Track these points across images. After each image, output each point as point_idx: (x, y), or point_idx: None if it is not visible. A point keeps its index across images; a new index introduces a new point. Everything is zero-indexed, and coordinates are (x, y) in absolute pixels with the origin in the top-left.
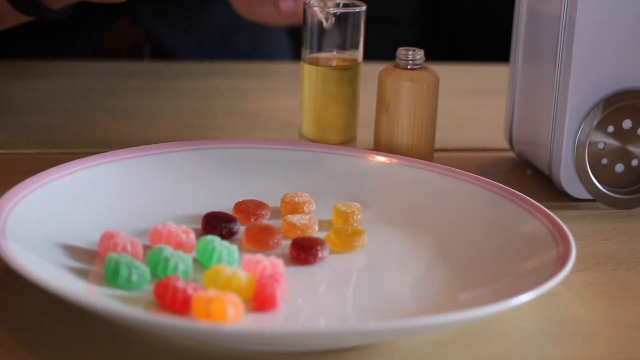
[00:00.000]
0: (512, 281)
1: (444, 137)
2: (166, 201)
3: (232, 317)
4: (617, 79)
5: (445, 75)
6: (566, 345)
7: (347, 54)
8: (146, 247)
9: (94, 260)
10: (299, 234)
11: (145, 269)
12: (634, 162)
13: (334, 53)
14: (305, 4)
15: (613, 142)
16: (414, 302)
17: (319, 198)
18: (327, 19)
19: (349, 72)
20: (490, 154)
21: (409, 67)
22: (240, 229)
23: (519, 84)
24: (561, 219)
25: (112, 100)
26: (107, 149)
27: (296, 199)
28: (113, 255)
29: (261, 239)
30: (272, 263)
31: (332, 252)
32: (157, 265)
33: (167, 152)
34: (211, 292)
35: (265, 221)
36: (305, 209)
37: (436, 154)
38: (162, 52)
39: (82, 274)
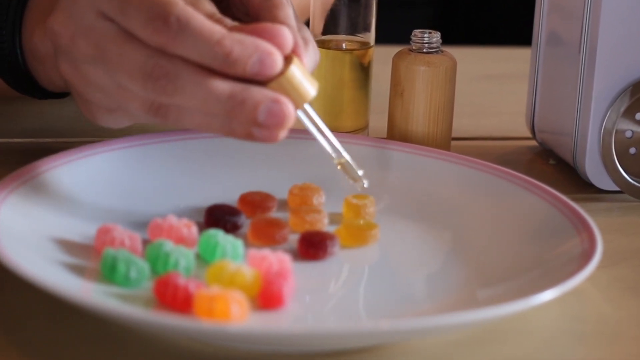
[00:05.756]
0: (533, 278)
1: (462, 124)
2: (167, 193)
3: (237, 316)
4: None
5: (463, 59)
6: (591, 345)
7: (359, 37)
8: (145, 242)
9: (89, 255)
10: (307, 227)
11: (145, 265)
12: None
13: (345, 35)
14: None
15: None
16: (430, 300)
17: (329, 190)
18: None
19: (361, 55)
20: (510, 142)
21: (424, 50)
22: (246, 222)
23: (541, 68)
24: (586, 211)
25: None
26: (104, 137)
27: (305, 191)
28: (110, 251)
29: (267, 233)
30: (279, 258)
31: (342, 247)
32: (156, 260)
33: (168, 141)
34: (214, 290)
35: (272, 214)
36: (315, 202)
37: (453, 143)
38: None
39: (78, 270)
